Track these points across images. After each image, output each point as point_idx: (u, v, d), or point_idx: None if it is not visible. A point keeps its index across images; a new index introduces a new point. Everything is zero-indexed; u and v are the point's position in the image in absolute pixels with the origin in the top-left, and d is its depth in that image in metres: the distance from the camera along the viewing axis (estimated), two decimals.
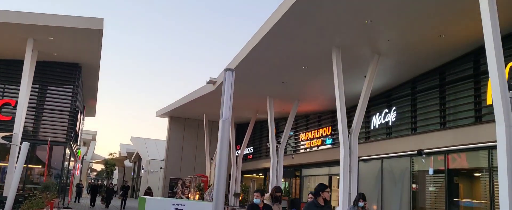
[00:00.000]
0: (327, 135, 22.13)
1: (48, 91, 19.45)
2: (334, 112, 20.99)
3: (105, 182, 62.99)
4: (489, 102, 12.34)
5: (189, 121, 32.50)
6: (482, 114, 12.93)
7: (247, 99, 21.38)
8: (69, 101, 19.49)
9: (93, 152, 56.84)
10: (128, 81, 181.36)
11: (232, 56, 17.50)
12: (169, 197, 29.16)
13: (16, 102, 16.74)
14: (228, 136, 4.65)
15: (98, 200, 29.63)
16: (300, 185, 24.86)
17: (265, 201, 6.83)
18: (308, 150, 23.84)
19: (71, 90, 19.60)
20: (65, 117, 19.40)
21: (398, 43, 13.25)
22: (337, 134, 18.85)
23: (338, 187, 13.61)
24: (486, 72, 12.61)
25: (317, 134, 23.03)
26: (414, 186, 15.60)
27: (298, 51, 14.40)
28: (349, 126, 13.70)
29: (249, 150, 30.68)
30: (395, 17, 11.53)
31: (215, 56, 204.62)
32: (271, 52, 14.89)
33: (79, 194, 30.50)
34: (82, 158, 38.76)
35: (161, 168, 36.98)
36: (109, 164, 64.40)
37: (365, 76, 14.27)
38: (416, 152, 15.11)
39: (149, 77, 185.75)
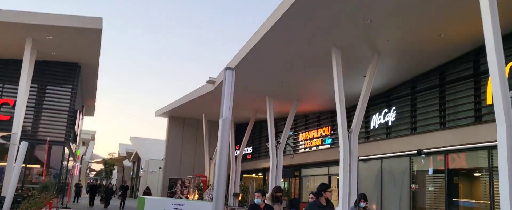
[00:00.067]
0: (326, 135, 22.10)
1: (47, 91, 19.39)
2: (333, 112, 20.97)
3: (104, 182, 62.94)
4: (489, 102, 12.33)
5: (188, 121, 32.46)
6: (482, 114, 12.91)
7: (246, 99, 21.35)
8: (68, 101, 19.43)
9: (92, 152, 56.76)
10: (127, 81, 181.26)
11: (232, 56, 17.49)
12: (168, 197, 29.12)
13: (15, 102, 16.69)
14: (228, 136, 4.61)
15: (97, 200, 29.57)
16: (300, 185, 24.84)
17: (266, 201, 6.80)
18: (307, 150, 23.82)
19: (70, 90, 19.55)
20: (64, 117, 19.34)
21: (398, 43, 13.23)
22: (337, 133, 18.83)
23: (338, 187, 13.59)
24: (486, 72, 12.62)
25: (317, 134, 23.01)
26: (413, 186, 15.58)
27: (297, 51, 14.37)
28: (349, 126, 13.68)
29: (249, 150, 30.65)
30: (395, 17, 11.50)
31: (214, 56, 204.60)
32: (271, 52, 14.85)
33: (78, 194, 30.45)
34: (81, 158, 38.70)
35: (160, 168, 36.93)
36: (108, 164, 64.36)
37: (364, 76, 14.24)
38: (415, 152, 15.09)
39: (148, 77, 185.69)
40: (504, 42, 8.09)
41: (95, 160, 63.49)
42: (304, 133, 24.39)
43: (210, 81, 21.27)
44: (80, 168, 36.20)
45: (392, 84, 17.02)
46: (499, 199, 11.72)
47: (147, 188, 24.84)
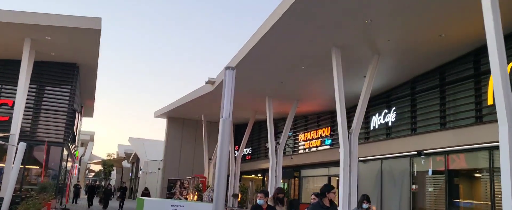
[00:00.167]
0: (326, 136, 22.06)
1: (46, 91, 19.31)
2: (333, 112, 20.94)
3: (103, 183, 62.83)
4: (489, 102, 12.28)
5: (187, 122, 32.39)
6: (483, 114, 12.86)
7: (246, 99, 21.30)
8: (67, 102, 19.35)
9: (91, 152, 56.68)
10: (126, 81, 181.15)
11: (231, 56, 17.43)
12: (167, 198, 29.04)
13: (13, 102, 16.61)
14: (229, 136, 4.56)
15: (96, 201, 29.47)
16: (299, 186, 24.79)
17: (268, 202, 6.73)
18: (307, 150, 23.76)
19: (68, 90, 19.47)
20: (63, 117, 19.26)
21: (398, 43, 13.18)
22: (336, 134, 18.78)
23: (338, 188, 13.53)
24: (486, 72, 12.58)
25: (316, 135, 22.96)
26: (414, 187, 15.53)
27: (297, 51, 14.32)
28: (349, 126, 13.62)
29: (248, 150, 30.59)
30: (395, 17, 11.46)
31: (213, 56, 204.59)
32: (270, 52, 14.80)
33: (76, 195, 30.35)
34: (80, 158, 38.61)
35: (159, 168, 36.85)
36: (107, 165, 64.26)
37: (364, 76, 14.20)
38: (416, 152, 15.03)
39: (147, 78, 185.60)
40: (506, 42, 8.04)
41: (94, 161, 63.44)
42: (303, 134, 24.34)
43: (210, 82, 21.21)
44: (79, 169, 36.12)
45: (392, 84, 16.97)
46: (500, 200, 11.69)
47: (146, 189, 24.70)
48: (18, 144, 13.17)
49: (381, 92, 17.71)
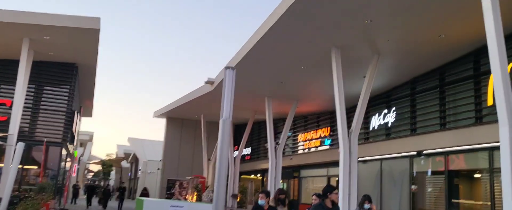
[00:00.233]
0: (325, 136, 22.02)
1: (44, 91, 19.26)
2: (332, 113, 20.89)
3: (101, 183, 62.76)
4: (489, 103, 12.25)
5: (186, 122, 32.35)
6: (483, 115, 12.84)
7: (245, 99, 21.25)
8: (66, 102, 19.29)
9: (90, 153, 56.61)
10: (125, 81, 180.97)
11: (231, 56, 17.39)
12: (166, 198, 28.99)
13: (12, 102, 16.55)
14: (229, 136, 4.52)
15: (95, 201, 29.41)
16: (299, 186, 24.75)
17: (270, 203, 6.67)
18: (306, 151, 23.73)
19: (67, 90, 19.41)
20: (62, 117, 19.21)
21: (398, 43, 13.15)
22: (336, 134, 18.73)
23: (337, 189, 13.49)
24: (486, 73, 12.55)
25: (316, 135, 22.92)
26: (413, 187, 15.49)
27: (297, 51, 14.29)
28: (348, 127, 13.59)
29: (247, 150, 30.55)
30: (395, 17, 11.43)
31: (213, 56, 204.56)
32: (270, 52, 14.77)
33: (75, 195, 30.29)
34: (79, 159, 38.54)
35: (158, 169, 36.81)
36: (106, 165, 64.22)
37: (364, 77, 14.16)
38: (415, 153, 15.00)
39: (147, 78, 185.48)
40: (506, 43, 8.01)
41: (93, 161, 63.40)
42: (303, 134, 24.31)
43: (209, 82, 21.17)
44: (78, 169, 36.05)
45: (392, 85, 16.95)
46: (500, 201, 11.67)
47: (145, 189, 24.66)
48: (16, 144, 13.13)
49: (381, 93, 17.68)
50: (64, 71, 19.37)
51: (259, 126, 28.84)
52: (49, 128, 18.87)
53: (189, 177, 29.56)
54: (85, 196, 30.75)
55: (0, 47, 17.34)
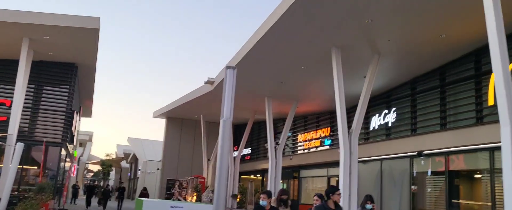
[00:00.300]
0: (325, 136, 21.98)
1: (44, 91, 19.21)
2: (332, 113, 20.87)
3: (101, 183, 62.69)
4: (490, 103, 12.23)
5: (186, 122, 32.31)
6: (483, 115, 12.80)
7: (245, 99, 21.22)
8: (65, 102, 19.25)
9: (90, 152, 56.56)
10: (124, 81, 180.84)
11: (231, 56, 17.36)
12: (166, 198, 28.95)
13: (11, 102, 16.50)
14: (229, 137, 4.48)
15: (94, 201, 29.35)
16: (299, 187, 24.71)
17: (272, 204, 6.61)
18: (306, 151, 23.69)
19: (67, 90, 19.37)
20: (61, 117, 19.16)
21: (399, 43, 13.12)
22: (336, 134, 18.70)
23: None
24: (487, 73, 12.53)
25: (316, 135, 22.89)
26: (413, 187, 15.46)
27: (297, 51, 14.25)
28: (348, 127, 13.55)
29: (247, 151, 30.51)
30: (396, 17, 11.40)
31: (213, 56, 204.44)
32: (270, 52, 14.73)
33: (75, 195, 30.24)
34: (78, 159, 38.49)
35: (158, 169, 36.76)
36: (106, 165, 64.14)
37: (364, 77, 14.13)
38: (416, 153, 14.97)
39: (146, 78, 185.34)
40: (507, 42, 7.97)
41: (93, 161, 63.33)
42: (303, 134, 24.27)
43: (209, 82, 21.13)
44: (77, 169, 36.00)
45: (392, 85, 16.91)
46: (500, 201, 11.64)
47: (144, 189, 24.61)
48: (16, 144, 13.08)
49: (381, 93, 17.65)
50: (64, 71, 19.32)
51: (259, 126, 28.81)
52: (48, 128, 18.83)
53: (189, 177, 29.52)
54: (84, 196, 30.71)
55: None
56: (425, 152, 14.64)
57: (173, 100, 29.21)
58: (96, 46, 17.16)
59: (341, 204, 6.01)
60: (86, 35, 16.02)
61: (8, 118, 16.21)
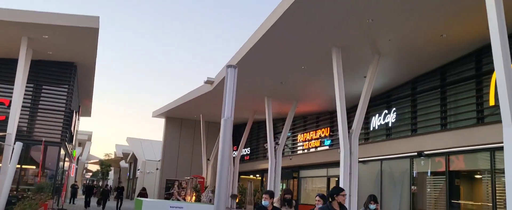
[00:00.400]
0: (325, 136, 21.94)
1: (43, 90, 19.12)
2: (332, 113, 20.84)
3: (100, 183, 62.60)
4: (491, 103, 12.19)
5: (185, 122, 32.26)
6: (484, 115, 12.76)
7: (245, 99, 21.17)
8: (64, 101, 19.17)
9: (89, 152, 56.45)
10: (124, 81, 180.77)
11: (230, 56, 17.30)
12: (165, 198, 28.89)
13: (10, 101, 16.42)
14: (230, 136, 4.44)
15: (93, 201, 29.29)
16: (298, 187, 24.66)
17: (274, 204, 6.54)
18: (306, 151, 23.64)
19: (66, 89, 19.28)
20: (60, 117, 19.08)
21: (399, 43, 13.07)
22: (336, 135, 18.67)
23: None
24: (488, 73, 12.49)
25: (316, 135, 22.84)
26: (414, 188, 15.42)
27: (297, 50, 14.20)
28: (349, 127, 13.50)
29: (246, 151, 30.45)
30: (396, 17, 11.35)
31: (213, 56, 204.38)
32: (270, 52, 14.68)
33: (74, 195, 30.17)
34: (77, 158, 38.41)
35: (157, 169, 36.70)
36: (105, 165, 64.06)
37: (364, 77, 14.08)
38: (416, 153, 14.93)
39: (146, 78, 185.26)
40: (509, 42, 7.92)
41: (92, 161, 63.23)
42: (302, 134, 24.22)
43: (208, 82, 21.07)
44: (76, 169, 35.92)
45: (392, 85, 16.87)
46: (501, 201, 11.61)
47: (143, 189, 24.54)
48: (14, 143, 13.02)
49: (381, 93, 17.60)
50: (63, 70, 19.24)
51: (258, 125, 28.77)
52: (47, 128, 18.75)
53: (188, 177, 29.46)
54: (83, 196, 30.64)
55: None
56: (425, 152, 14.60)
57: (172, 100, 29.17)
58: (95, 46, 17.09)
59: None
60: (85, 34, 15.94)
61: (7, 117, 16.11)
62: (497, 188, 11.98)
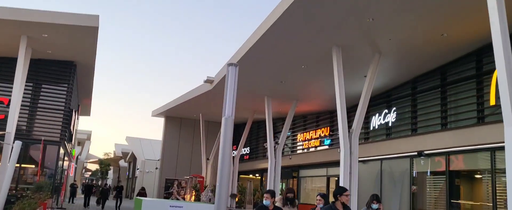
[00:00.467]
0: (325, 136, 21.91)
1: (42, 89, 19.08)
2: (332, 112, 20.82)
3: (99, 182, 62.56)
4: (492, 103, 12.17)
5: (185, 121, 32.22)
6: (484, 115, 12.74)
7: (244, 99, 21.13)
8: (64, 100, 19.13)
9: (88, 151, 56.44)
10: (123, 80, 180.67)
11: (230, 54, 17.26)
12: (164, 197, 28.86)
13: (9, 100, 16.39)
14: (231, 135, 4.41)
15: (93, 200, 29.24)
16: (298, 186, 24.64)
17: (276, 204, 6.48)
18: (305, 150, 23.61)
19: (65, 88, 19.25)
20: (59, 116, 19.04)
21: (399, 43, 13.04)
22: (336, 134, 18.63)
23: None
24: (488, 72, 12.47)
25: (315, 135, 22.81)
26: (414, 187, 15.39)
27: (297, 50, 14.17)
28: (349, 126, 13.47)
29: (246, 150, 30.42)
30: (397, 16, 11.32)
31: (213, 56, 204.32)
32: (270, 51, 14.64)
33: (73, 194, 30.13)
34: (77, 157, 38.37)
35: (156, 168, 36.65)
36: (104, 164, 64.00)
37: (365, 76, 14.05)
38: (416, 153, 14.90)
39: (146, 78, 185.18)
40: (511, 42, 7.89)
41: (91, 160, 63.20)
42: (302, 134, 24.19)
43: (208, 81, 21.03)
44: (76, 168, 35.88)
45: (392, 84, 16.84)
46: (501, 202, 11.59)
47: (142, 188, 24.50)
48: (13, 142, 12.98)
49: (381, 92, 17.58)
50: (62, 69, 19.20)
51: (258, 125, 28.74)
52: (47, 127, 18.71)
53: (188, 177, 29.42)
54: (83, 195, 30.61)
55: None
56: (425, 152, 14.58)
57: (171, 99, 29.13)
58: (95, 45, 17.05)
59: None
60: (85, 33, 15.90)
61: (6, 116, 16.07)
62: (497, 188, 11.96)
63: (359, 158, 13.65)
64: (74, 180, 33.74)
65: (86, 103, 28.34)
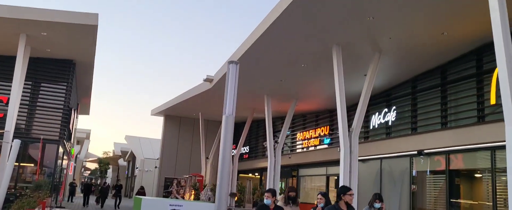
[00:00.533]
0: (325, 135, 21.88)
1: (41, 88, 19.04)
2: (332, 111, 20.79)
3: (98, 181, 62.51)
4: (492, 102, 12.14)
5: (184, 120, 32.18)
6: (485, 114, 12.72)
7: (244, 98, 21.07)
8: (63, 99, 19.09)
9: (87, 150, 56.36)
10: (122, 79, 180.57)
11: (230, 54, 17.22)
12: (164, 196, 28.83)
13: (8, 99, 16.36)
14: (231, 133, 4.37)
15: (92, 199, 29.21)
16: (297, 185, 24.62)
17: (278, 203, 6.45)
18: (305, 149, 23.59)
19: (64, 87, 19.21)
20: (59, 115, 19.00)
21: (400, 41, 13.00)
22: (335, 133, 18.61)
23: (336, 188, 13.35)
24: (489, 71, 12.45)
25: (315, 134, 22.78)
26: (413, 187, 15.37)
27: (297, 48, 14.13)
28: (349, 125, 13.44)
29: (245, 149, 30.39)
30: (397, 14, 11.28)
31: (212, 56, 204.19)
32: (270, 50, 14.60)
33: (72, 193, 30.10)
34: (76, 156, 38.33)
35: (155, 167, 36.60)
36: (103, 163, 64.00)
37: (365, 75, 14.02)
38: (416, 152, 14.88)
39: (146, 78, 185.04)
40: None
41: (90, 159, 63.18)
42: (302, 133, 24.16)
43: (208, 80, 20.97)
44: (75, 167, 35.85)
45: (392, 83, 16.81)
46: (501, 201, 11.57)
47: (141, 187, 24.48)
48: (12, 141, 12.94)
49: (381, 91, 17.55)
50: (61, 68, 19.16)
51: (257, 124, 28.70)
52: (46, 125, 18.68)
53: (187, 176, 29.39)
54: (82, 194, 30.58)
55: None
56: (425, 151, 14.55)
57: (171, 98, 29.08)
58: (94, 43, 17.01)
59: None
60: (84, 31, 15.86)
61: (5, 115, 16.03)
62: (497, 187, 11.94)
63: (359, 157, 13.63)
64: (73, 179, 33.72)
65: (86, 102, 28.30)
